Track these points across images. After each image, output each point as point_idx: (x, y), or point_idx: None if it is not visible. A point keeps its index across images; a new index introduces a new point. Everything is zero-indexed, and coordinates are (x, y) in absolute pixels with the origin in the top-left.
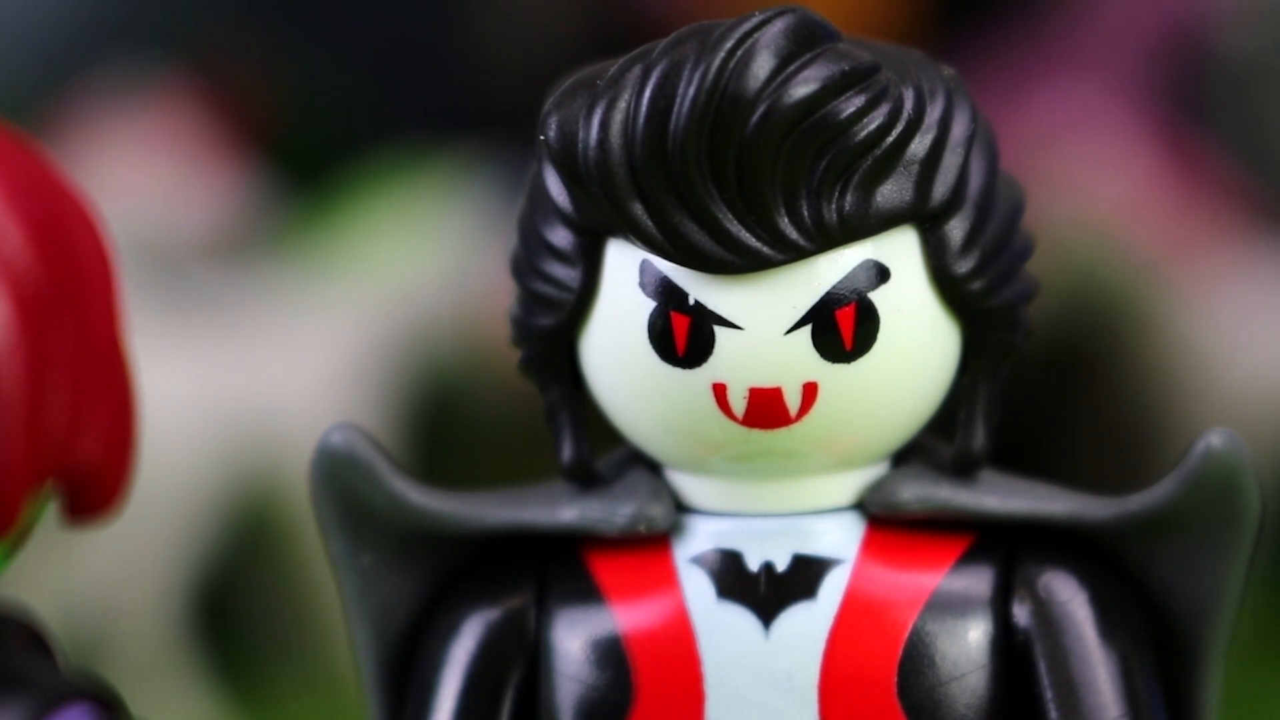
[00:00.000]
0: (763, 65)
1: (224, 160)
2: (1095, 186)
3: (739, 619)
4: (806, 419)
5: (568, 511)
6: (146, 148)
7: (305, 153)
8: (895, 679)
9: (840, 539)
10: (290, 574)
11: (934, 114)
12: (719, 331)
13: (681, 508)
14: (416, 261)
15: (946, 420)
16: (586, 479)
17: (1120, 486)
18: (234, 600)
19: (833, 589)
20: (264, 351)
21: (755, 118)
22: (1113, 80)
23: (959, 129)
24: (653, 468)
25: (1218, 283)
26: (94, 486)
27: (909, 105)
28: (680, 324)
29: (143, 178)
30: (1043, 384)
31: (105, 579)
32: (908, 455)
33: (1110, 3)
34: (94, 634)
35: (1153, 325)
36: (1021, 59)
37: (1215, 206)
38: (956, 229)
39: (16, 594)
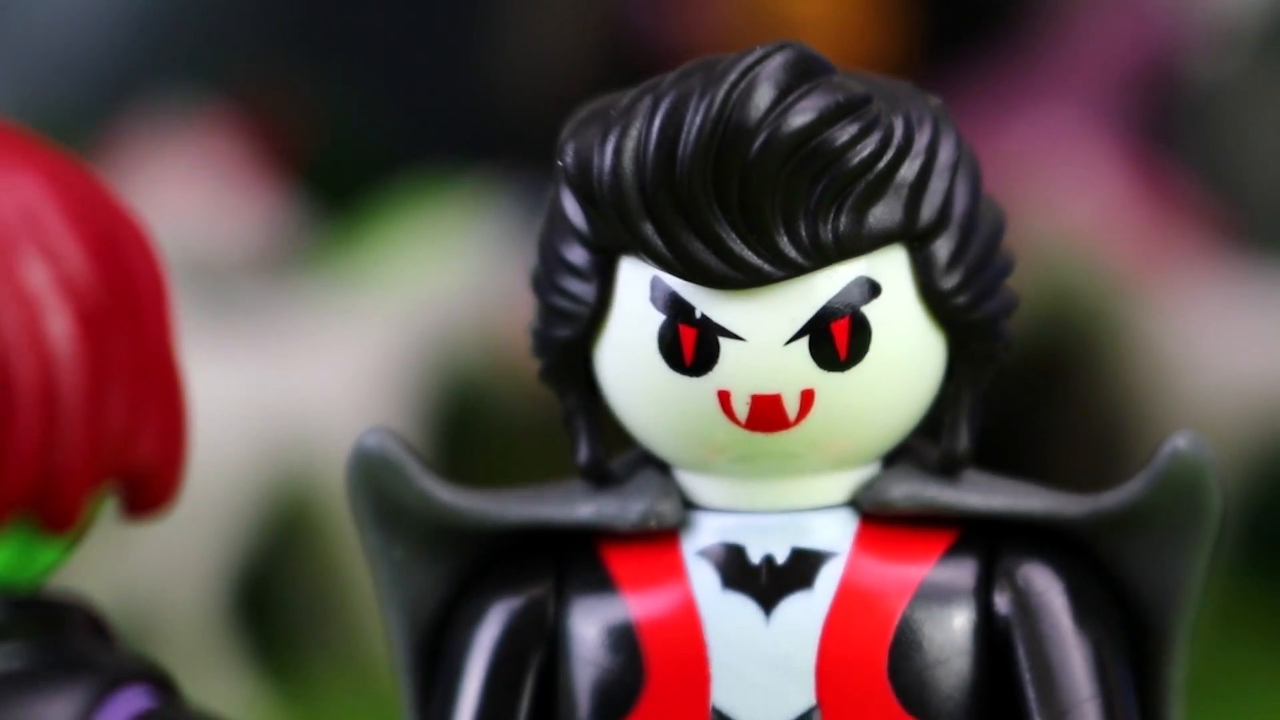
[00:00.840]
0: (763, 96)
1: (263, 183)
2: (1071, 207)
3: (742, 607)
4: (804, 423)
5: (584, 508)
6: (191, 172)
7: (337, 176)
8: (886, 662)
9: (835, 534)
10: (325, 565)
11: (922, 141)
12: (723, 342)
13: (688, 505)
14: (441, 275)
15: (933, 424)
16: (601, 478)
17: (1094, 485)
18: (273, 589)
19: (828, 580)
20: (300, 358)
21: (757, 145)
22: (1088, 108)
23: (945, 155)
24: (662, 468)
25: (1185, 297)
26: (149, 485)
27: (899, 133)
28: (688, 335)
29: (188, 199)
30: (1022, 390)
31: (154, 570)
32: (897, 456)
33: (1085, 35)
34: (144, 620)
35: (1124, 336)
36: (1002, 88)
37: (1183, 226)
38: (942, 248)
39: (73, 583)
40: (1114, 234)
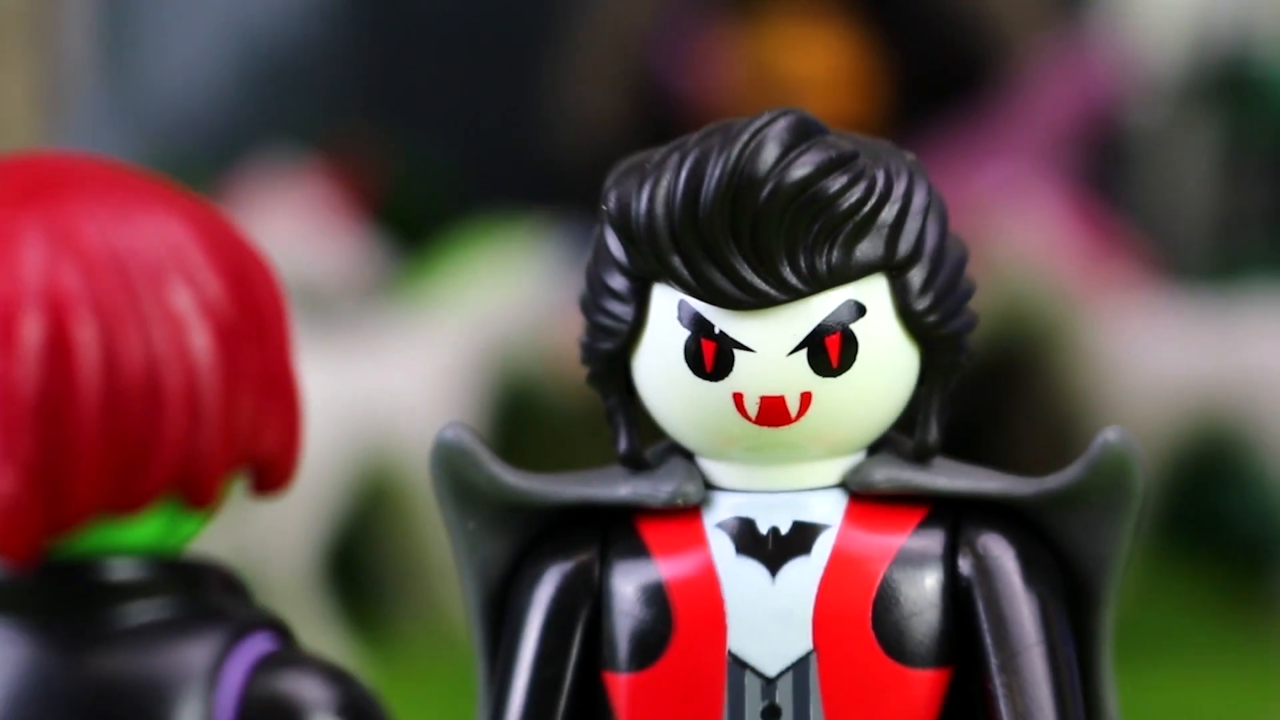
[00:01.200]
0: (770, 153)
1: (353, 222)
2: (1025, 241)
3: (752, 570)
4: (804, 419)
5: (622, 489)
6: (296, 214)
7: (415, 217)
8: (870, 614)
9: (828, 509)
10: (406, 534)
11: (899, 189)
12: (737, 353)
13: (708, 486)
14: (501, 297)
15: (908, 420)
16: (637, 464)
17: (1044, 471)
18: (361, 554)
19: (823, 547)
20: (385, 364)
21: (765, 193)
22: (1038, 158)
23: (918, 200)
24: (686, 456)
25: (1119, 315)
26: (272, 470)
27: (880, 183)
28: (708, 348)
29: (293, 236)
30: (984, 391)
31: (265, 536)
32: (879, 446)
33: (1036, 97)
34: (254, 577)
35: (1069, 347)
36: (965, 143)
37: (1118, 256)
38: (916, 277)
39: (199, 546)
40: (1060, 263)
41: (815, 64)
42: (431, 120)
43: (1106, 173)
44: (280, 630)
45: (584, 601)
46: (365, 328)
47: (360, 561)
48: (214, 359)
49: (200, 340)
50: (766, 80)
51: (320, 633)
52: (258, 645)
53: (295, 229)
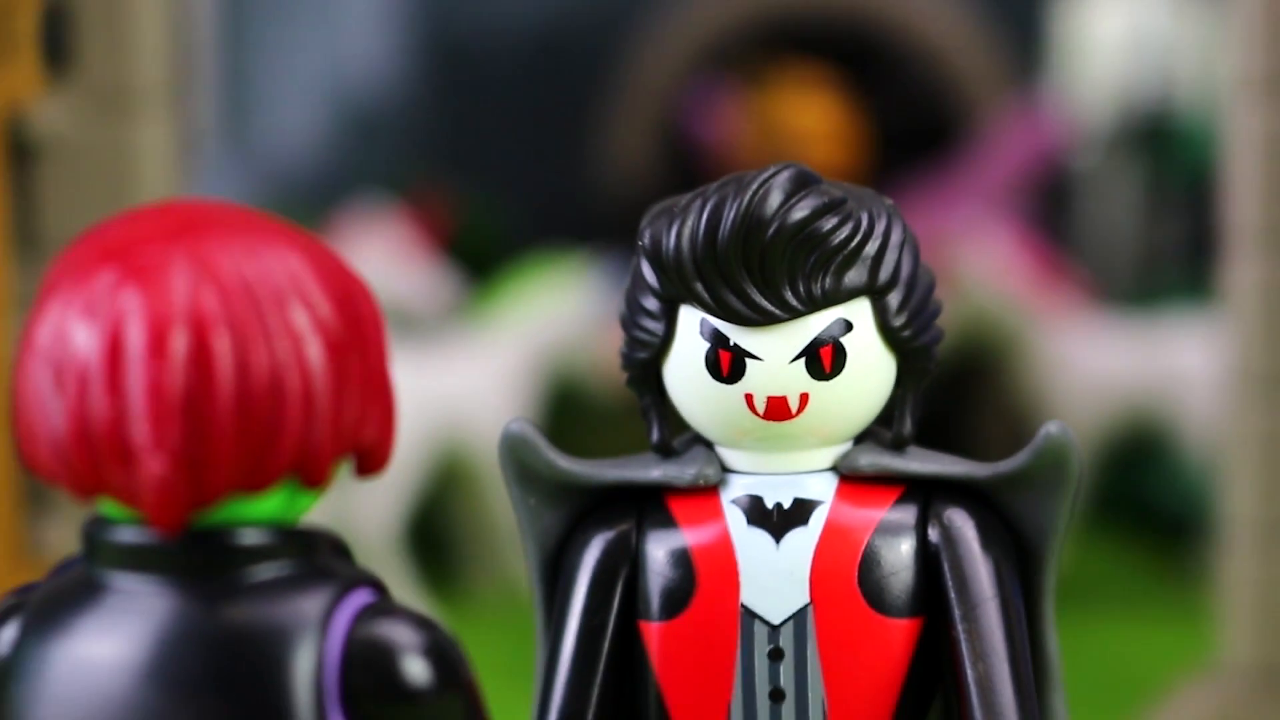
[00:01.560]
0: (775, 199)
1: (431, 256)
2: (984, 269)
3: (760, 538)
4: (802, 415)
5: (655, 471)
6: (385, 248)
7: (481, 252)
8: (856, 573)
9: (822, 488)
10: (476, 507)
11: (879, 227)
12: (748, 362)
13: (724, 469)
14: (553, 315)
15: (887, 415)
16: (666, 452)
17: (1001, 456)
18: (438, 523)
19: (818, 519)
20: (458, 369)
21: (771, 231)
22: (996, 201)
23: (895, 236)
24: (707, 444)
25: (1061, 328)
26: (371, 457)
27: (864, 222)
28: (725, 357)
29: (384, 266)
30: (951, 391)
31: (359, 508)
32: (864, 437)
33: (994, 149)
34: (352, 543)
35: (1021, 355)
36: (936, 189)
37: (1060, 281)
38: (894, 299)
39: (309, 518)
40: (1014, 286)
41: (813, 120)
42: (495, 171)
43: (1051, 210)
44: (378, 586)
45: (623, 563)
46: (443, 340)
47: (438, 529)
48: (325, 367)
49: (314, 351)
50: (773, 133)
51: (405, 588)
52: (360, 598)
53: (386, 261)
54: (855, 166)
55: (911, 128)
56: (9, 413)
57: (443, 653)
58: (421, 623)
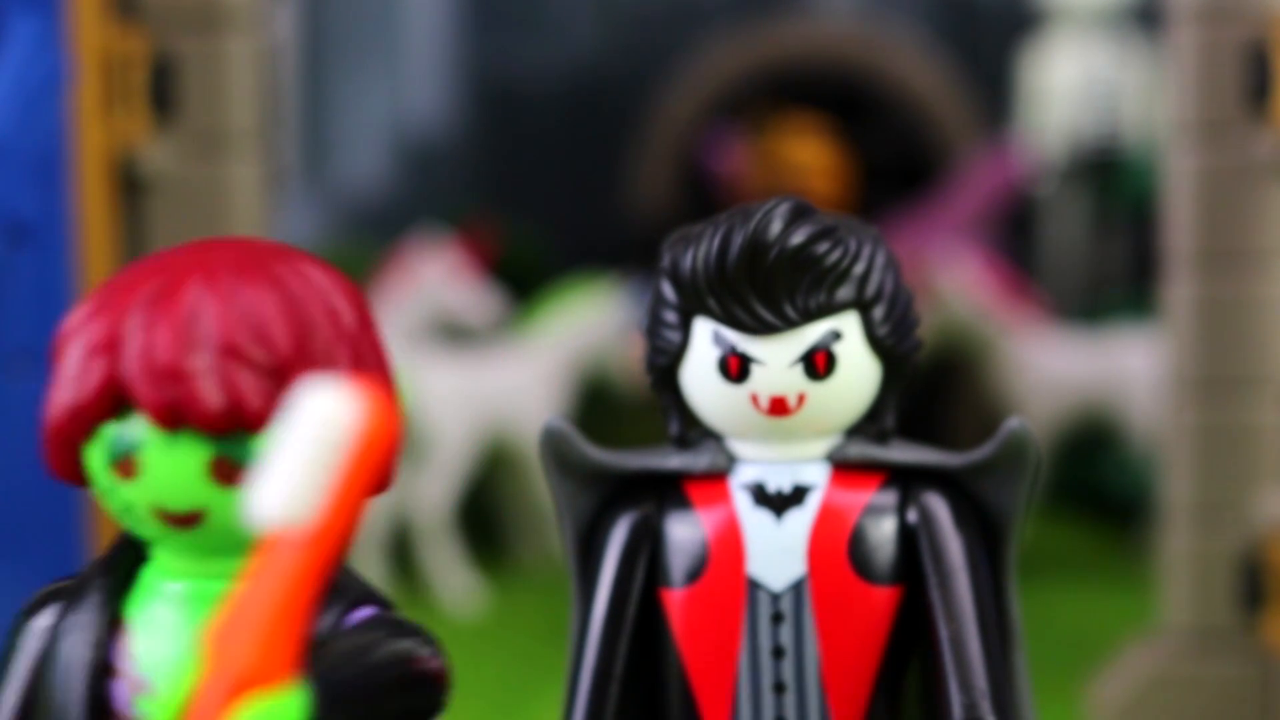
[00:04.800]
0: (776, 227)
1: (481, 277)
2: (957, 286)
3: (764, 517)
4: (800, 412)
5: (674, 460)
6: (442, 271)
7: (523, 275)
8: (846, 548)
9: (817, 475)
10: (518, 491)
11: (866, 250)
12: (753, 366)
13: (733, 459)
14: (585, 326)
15: (873, 412)
16: (684, 444)
17: (972, 446)
18: (485, 504)
19: (813, 501)
20: (504, 371)
21: (773, 254)
22: (966, 227)
23: (880, 259)
24: (718, 438)
25: (1023, 338)
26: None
27: (853, 246)
28: (733, 362)
29: (441, 287)
30: (929, 391)
31: (416, 494)
32: (852, 431)
33: (966, 183)
34: (407, 523)
35: (989, 359)
36: (914, 218)
37: (1022, 295)
38: (878, 312)
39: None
40: (983, 301)
41: (810, 156)
42: (537, 203)
43: (1014, 234)
44: (385, 603)
45: (646, 541)
46: (493, 348)
47: (485, 510)
48: (346, 365)
49: (342, 354)
50: (776, 168)
51: (455, 565)
52: (365, 612)
53: (444, 282)
54: (846, 198)
55: (895, 165)
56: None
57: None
58: (410, 630)
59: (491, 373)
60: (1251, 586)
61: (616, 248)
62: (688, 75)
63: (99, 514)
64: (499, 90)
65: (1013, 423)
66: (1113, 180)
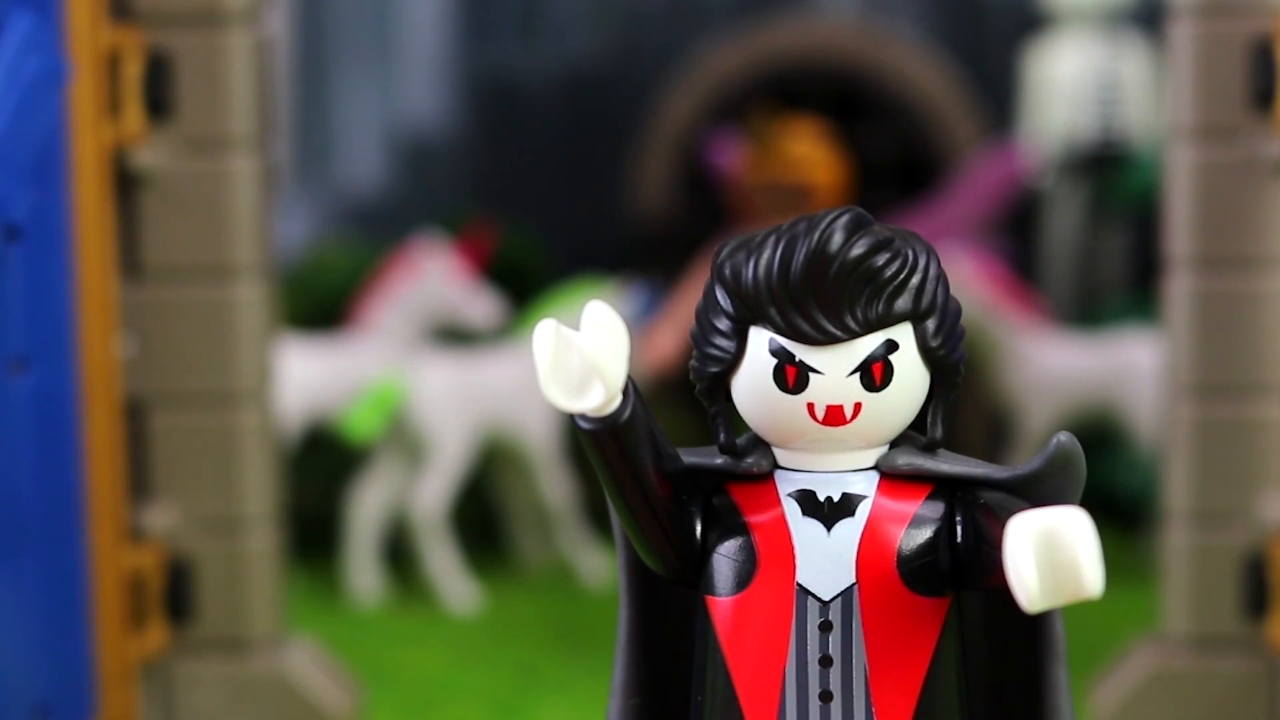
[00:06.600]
0: (839, 238)
1: (480, 279)
2: (966, 285)
3: (814, 526)
4: (856, 422)
5: (718, 460)
6: (441, 274)
7: (524, 279)
8: (895, 558)
9: (866, 485)
10: (519, 493)
11: (921, 263)
12: (811, 375)
13: (782, 468)
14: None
15: (920, 422)
16: (732, 452)
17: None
18: (486, 506)
19: (863, 511)
20: (502, 368)
21: (835, 266)
22: (969, 225)
23: (933, 270)
24: (766, 445)
25: (1029, 336)
26: None
27: (910, 258)
28: (790, 371)
29: (441, 289)
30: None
31: (414, 494)
32: (901, 440)
33: (968, 184)
34: (407, 527)
35: (998, 356)
36: (912, 217)
37: (1024, 294)
38: (931, 324)
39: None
40: (985, 297)
41: (808, 148)
42: (533, 208)
43: (1016, 231)
44: None
45: (699, 497)
46: (492, 348)
47: (485, 510)
48: None
49: None
50: (776, 166)
51: (455, 561)
52: None
53: (444, 283)
54: (846, 198)
55: (895, 165)
56: None
57: None
58: None
59: (491, 374)
60: (1256, 590)
61: (616, 249)
62: (688, 75)
63: (99, 514)
64: (497, 90)
65: (1061, 437)
66: (1114, 177)
